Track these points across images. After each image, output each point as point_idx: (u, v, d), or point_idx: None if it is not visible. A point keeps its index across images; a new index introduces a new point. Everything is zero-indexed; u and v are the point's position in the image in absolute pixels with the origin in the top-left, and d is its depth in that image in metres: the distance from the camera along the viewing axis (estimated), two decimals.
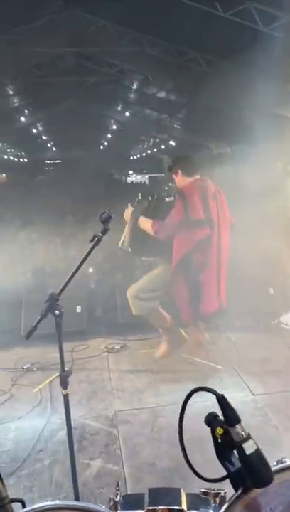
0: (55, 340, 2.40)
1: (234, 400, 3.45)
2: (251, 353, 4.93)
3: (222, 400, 1.00)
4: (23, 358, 4.96)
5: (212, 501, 0.99)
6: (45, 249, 8.31)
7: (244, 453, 0.94)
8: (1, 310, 5.65)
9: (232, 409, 0.98)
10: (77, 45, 12.60)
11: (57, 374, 2.44)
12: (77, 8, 10.16)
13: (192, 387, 1.13)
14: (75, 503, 0.94)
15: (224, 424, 0.98)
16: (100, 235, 2.27)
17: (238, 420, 0.98)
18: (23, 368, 4.74)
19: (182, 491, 1.06)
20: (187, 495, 1.04)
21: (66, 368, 2.33)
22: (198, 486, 1.12)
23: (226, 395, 0.98)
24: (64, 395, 2.28)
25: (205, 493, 1.03)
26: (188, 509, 1.00)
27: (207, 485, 1.08)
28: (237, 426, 0.97)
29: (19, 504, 0.99)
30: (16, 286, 6.32)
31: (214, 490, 1.01)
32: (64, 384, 2.26)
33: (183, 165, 4.37)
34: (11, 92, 16.20)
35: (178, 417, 1.07)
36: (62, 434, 3.50)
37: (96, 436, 3.58)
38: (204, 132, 18.21)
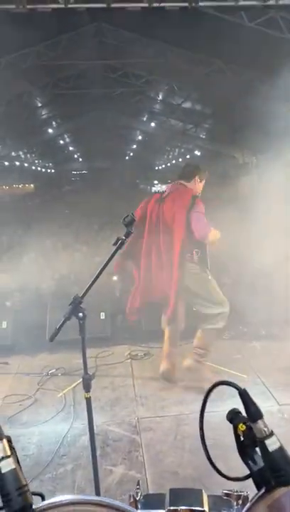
0: (80, 346, 2.41)
1: None
2: (276, 362, 4.84)
3: (244, 395, 0.98)
4: (48, 364, 5.00)
5: (235, 503, 0.97)
6: (70, 256, 8.42)
7: (267, 450, 0.92)
8: (27, 316, 5.73)
9: (254, 404, 0.96)
10: (103, 58, 12.85)
11: (81, 380, 2.44)
12: (102, 21, 10.36)
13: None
14: (96, 497, 0.94)
15: (247, 420, 0.96)
16: (123, 237, 2.29)
17: (261, 416, 0.96)
18: (47, 373, 4.78)
19: (204, 492, 1.04)
20: (209, 496, 1.02)
21: (89, 372, 2.33)
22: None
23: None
24: (86, 398, 2.28)
25: (227, 494, 1.01)
26: (210, 510, 0.97)
27: (230, 487, 1.07)
28: (260, 421, 0.95)
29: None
30: (42, 293, 6.41)
31: (237, 491, 0.99)
32: (87, 387, 2.27)
33: (199, 172, 4.42)
34: (39, 105, 16.60)
35: (200, 412, 1.06)
36: (85, 439, 3.50)
37: (119, 443, 3.57)
38: (229, 142, 18.19)
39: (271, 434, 0.95)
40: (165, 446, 3.48)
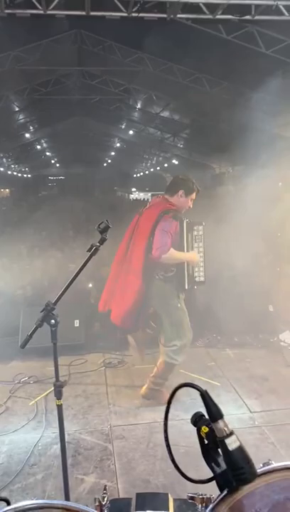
0: (52, 354, 2.38)
1: (231, 417, 3.43)
2: (249, 370, 4.90)
3: (205, 396, 1.00)
4: (20, 372, 4.92)
5: (200, 506, 0.98)
6: (45, 263, 8.33)
7: (227, 449, 0.94)
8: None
9: (215, 405, 0.98)
10: (82, 64, 12.88)
11: (53, 388, 2.41)
12: (82, 28, 10.41)
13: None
14: (61, 502, 0.93)
15: (209, 422, 0.97)
16: (98, 244, 2.28)
17: (221, 415, 0.97)
18: (19, 381, 4.70)
19: (170, 495, 1.05)
20: (175, 500, 1.03)
21: (61, 379, 2.31)
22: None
23: (223, 412, 0.97)
24: (58, 406, 2.26)
25: (192, 497, 1.02)
26: None
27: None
28: (220, 421, 0.97)
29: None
30: (15, 299, 6.33)
31: (201, 495, 1.00)
32: (58, 394, 2.24)
33: (183, 186, 4.10)
34: (16, 109, 16.46)
35: (164, 422, 1.07)
36: (57, 448, 3.46)
37: (91, 451, 3.53)
38: (207, 152, 18.44)
39: (231, 433, 0.96)
40: (138, 454, 3.46)
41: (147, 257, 3.90)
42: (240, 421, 3.85)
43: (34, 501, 0.91)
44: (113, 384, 4.69)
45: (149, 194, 30.50)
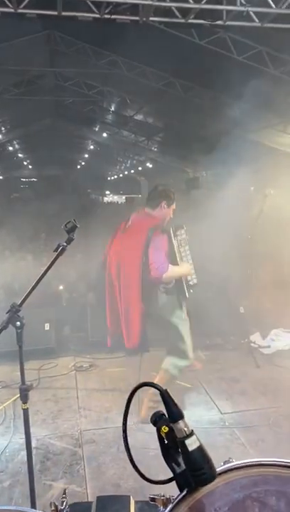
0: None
1: (202, 418, 3.43)
2: (220, 371, 4.93)
3: (165, 395, 0.98)
4: None
5: (161, 507, 0.96)
6: (15, 266, 8.20)
7: (187, 449, 0.93)
8: None
9: (175, 405, 0.96)
10: (55, 66, 12.76)
11: None
12: (54, 29, 10.31)
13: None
14: (12, 507, 0.89)
15: (169, 422, 0.96)
16: (64, 244, 2.24)
17: (181, 416, 0.96)
18: None
19: (131, 498, 1.03)
20: (136, 502, 1.01)
21: (27, 382, 2.25)
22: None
23: (194, 414, 0.96)
24: (24, 410, 2.20)
25: (153, 499, 1.00)
26: None
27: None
28: (180, 422, 0.95)
29: None
30: None
31: (163, 496, 0.98)
32: (24, 398, 2.19)
33: (165, 197, 4.03)
34: None
35: (123, 420, 1.05)
36: (24, 454, 3.34)
37: (60, 456, 3.48)
38: (180, 156, 18.55)
39: (191, 433, 0.95)
40: (108, 458, 3.43)
41: (144, 278, 3.78)
42: (211, 422, 3.86)
43: None
44: (84, 388, 4.64)
45: (123, 197, 30.51)
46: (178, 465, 0.94)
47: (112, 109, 16.68)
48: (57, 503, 0.96)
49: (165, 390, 0.98)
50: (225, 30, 8.08)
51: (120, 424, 3.84)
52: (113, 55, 10.83)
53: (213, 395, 4.37)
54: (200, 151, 13.88)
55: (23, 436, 3.51)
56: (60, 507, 0.95)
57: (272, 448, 3.40)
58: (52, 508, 0.97)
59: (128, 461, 3.45)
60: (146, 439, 3.20)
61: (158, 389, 0.98)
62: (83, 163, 32.95)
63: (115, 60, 10.98)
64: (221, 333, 5.76)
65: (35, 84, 14.16)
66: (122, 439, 3.61)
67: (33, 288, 2.21)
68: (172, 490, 1.13)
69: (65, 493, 1.01)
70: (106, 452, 3.50)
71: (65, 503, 0.98)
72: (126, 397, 3.84)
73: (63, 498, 0.99)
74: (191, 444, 0.93)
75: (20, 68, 12.05)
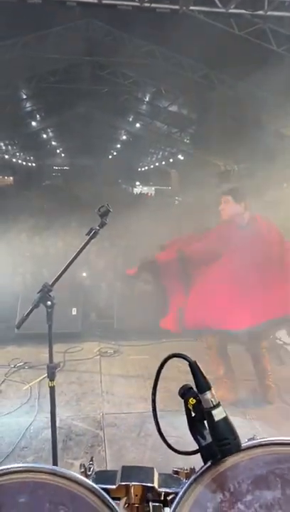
0: (47, 339, 2.39)
1: None
2: (243, 367, 4.90)
3: (194, 366, 1.01)
4: (15, 357, 4.94)
5: (184, 480, 1.00)
6: (45, 252, 8.35)
7: (213, 419, 0.95)
8: None
9: (203, 377, 0.99)
10: (92, 54, 12.81)
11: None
12: (93, 17, 10.35)
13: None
14: (49, 466, 0.94)
15: (197, 395, 0.99)
16: (97, 228, 2.28)
17: (209, 387, 0.98)
18: (14, 366, 4.72)
19: (155, 470, 1.06)
20: (159, 474, 1.05)
21: (55, 361, 2.32)
22: None
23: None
24: (50, 387, 2.27)
25: (176, 472, 1.04)
26: (159, 487, 1.00)
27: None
28: (208, 393, 0.98)
29: None
30: (14, 286, 6.34)
31: (186, 470, 1.01)
32: (51, 376, 2.26)
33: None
34: (24, 97, 16.42)
35: (152, 390, 1.08)
36: (48, 432, 3.44)
37: (82, 437, 3.55)
38: (212, 148, 18.37)
39: (218, 404, 0.98)
40: (129, 442, 3.48)
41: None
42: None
43: (21, 464, 0.93)
44: (108, 373, 4.71)
45: (153, 188, 30.47)
46: (203, 438, 0.97)
47: (147, 99, 16.67)
48: (84, 464, 1.01)
49: (194, 362, 1.01)
50: (265, 20, 7.95)
51: (142, 410, 3.89)
52: (150, 44, 10.79)
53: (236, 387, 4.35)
54: (233, 145, 13.73)
55: (47, 416, 3.62)
56: (87, 471, 1.00)
57: None
58: (82, 470, 1.01)
59: (148, 446, 3.51)
60: (166, 427, 3.23)
61: (187, 360, 1.01)
62: (115, 153, 33.08)
63: (152, 49, 10.95)
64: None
65: (71, 72, 14.28)
66: (144, 424, 3.64)
67: (65, 269, 2.27)
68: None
69: (92, 460, 1.06)
70: (127, 437, 3.55)
71: (92, 469, 1.02)
72: (149, 384, 3.86)
73: (90, 464, 1.03)
74: (217, 415, 0.96)
75: (57, 56, 12.16)
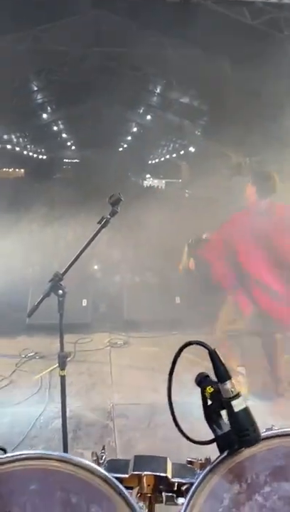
0: (58, 331, 2.37)
1: None
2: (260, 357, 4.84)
3: (213, 355, 0.98)
4: (25, 347, 4.96)
5: (198, 470, 0.97)
6: (56, 243, 8.36)
7: (233, 410, 0.93)
8: (8, 299, 5.69)
9: (223, 365, 0.96)
10: (102, 45, 12.71)
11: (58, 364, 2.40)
12: (103, 8, 10.24)
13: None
14: (60, 453, 0.93)
15: (214, 383, 0.96)
16: (108, 216, 2.26)
17: (229, 376, 0.95)
18: (25, 356, 4.74)
19: (168, 459, 1.04)
20: (173, 464, 1.03)
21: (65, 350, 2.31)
22: None
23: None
24: (61, 376, 2.26)
25: (190, 462, 1.01)
26: (173, 477, 0.98)
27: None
28: (228, 382, 0.95)
29: None
30: (24, 277, 6.35)
31: (201, 460, 0.99)
32: (62, 365, 2.25)
33: None
34: (35, 89, 16.38)
35: (168, 377, 1.06)
36: (58, 422, 3.46)
37: (91, 428, 3.56)
38: (224, 141, 18.20)
39: (238, 395, 0.95)
40: (138, 433, 3.48)
41: None
42: None
43: (32, 451, 0.91)
44: (118, 364, 4.71)
45: (163, 181, 30.32)
46: (220, 427, 0.94)
47: (157, 91, 16.54)
48: (97, 453, 0.99)
49: (214, 350, 0.98)
50: (280, 9, 7.81)
51: (151, 401, 3.87)
52: (161, 35, 10.67)
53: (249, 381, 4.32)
54: (245, 137, 13.58)
55: (57, 406, 3.64)
56: (100, 460, 0.98)
57: None
58: (94, 458, 1.00)
59: (158, 437, 3.49)
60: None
61: (207, 348, 0.98)
62: (125, 146, 32.97)
63: (162, 40, 10.82)
64: None
65: (80, 64, 14.20)
66: (154, 415, 3.63)
67: (76, 258, 2.25)
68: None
69: (104, 448, 1.04)
70: (137, 428, 3.55)
71: (104, 458, 1.00)
72: (159, 376, 3.85)
73: (102, 452, 1.01)
74: (237, 405, 0.93)
75: (66, 48, 12.09)
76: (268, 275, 3.76)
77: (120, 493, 0.89)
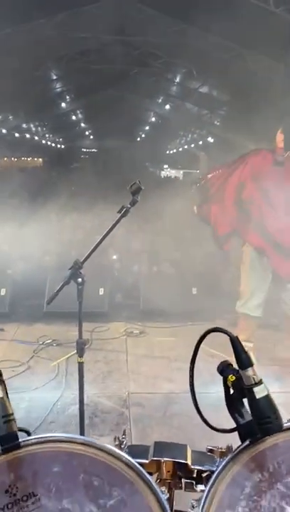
0: (76, 319, 2.41)
1: None
2: (272, 352, 4.83)
3: (235, 342, 0.98)
4: (43, 334, 5.03)
5: (218, 459, 0.98)
6: (73, 233, 8.41)
7: (255, 397, 0.92)
8: (26, 286, 5.77)
9: (245, 352, 0.96)
10: (122, 34, 12.60)
11: (75, 351, 2.43)
12: None
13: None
14: (83, 437, 0.94)
15: (236, 372, 0.96)
16: (128, 206, 2.26)
17: (251, 363, 0.95)
18: (43, 343, 4.80)
19: (188, 447, 1.05)
20: (193, 451, 1.03)
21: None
22: None
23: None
24: (79, 363, 2.29)
25: (210, 450, 1.02)
26: (193, 464, 0.99)
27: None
28: (249, 369, 0.95)
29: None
30: (42, 265, 6.42)
31: (221, 448, 0.99)
32: (80, 352, 2.27)
33: None
34: (54, 77, 16.36)
35: (190, 365, 1.06)
36: (75, 408, 3.52)
37: (107, 415, 3.60)
38: (243, 131, 17.96)
39: (260, 382, 0.95)
40: (154, 421, 3.51)
41: None
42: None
43: (56, 434, 0.93)
44: (134, 353, 4.74)
45: (181, 172, 30.09)
46: (242, 416, 0.95)
47: (177, 80, 16.37)
48: (119, 438, 1.00)
49: (236, 337, 0.98)
50: None
51: (167, 390, 3.90)
52: (181, 23, 10.53)
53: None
54: (265, 128, 13.39)
55: (74, 392, 3.69)
56: (121, 445, 0.99)
57: None
58: (117, 443, 1.01)
59: (173, 426, 3.51)
60: (191, 409, 3.24)
61: (228, 335, 0.98)
62: (143, 136, 32.81)
63: (184, 29, 10.67)
64: (277, 314, 5.62)
65: (101, 52, 14.11)
66: (169, 404, 3.65)
67: (96, 247, 2.26)
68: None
69: (124, 433, 1.05)
70: (153, 416, 3.57)
71: (124, 443, 1.01)
72: (175, 366, 3.86)
73: (123, 438, 1.02)
74: (259, 392, 0.93)
75: (87, 36, 12.03)
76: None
77: (143, 478, 0.90)
